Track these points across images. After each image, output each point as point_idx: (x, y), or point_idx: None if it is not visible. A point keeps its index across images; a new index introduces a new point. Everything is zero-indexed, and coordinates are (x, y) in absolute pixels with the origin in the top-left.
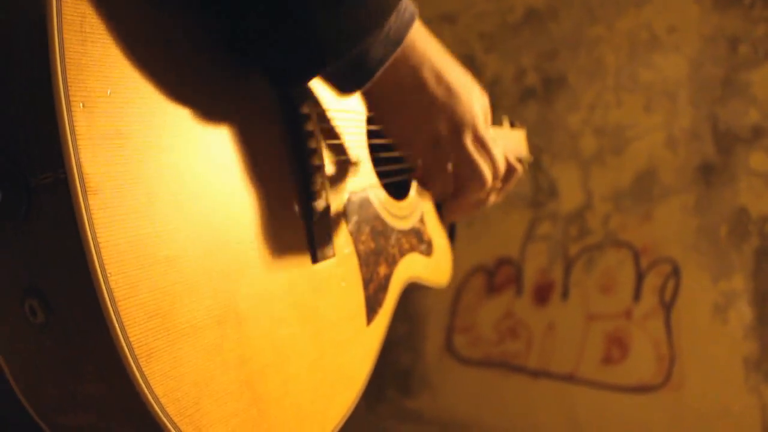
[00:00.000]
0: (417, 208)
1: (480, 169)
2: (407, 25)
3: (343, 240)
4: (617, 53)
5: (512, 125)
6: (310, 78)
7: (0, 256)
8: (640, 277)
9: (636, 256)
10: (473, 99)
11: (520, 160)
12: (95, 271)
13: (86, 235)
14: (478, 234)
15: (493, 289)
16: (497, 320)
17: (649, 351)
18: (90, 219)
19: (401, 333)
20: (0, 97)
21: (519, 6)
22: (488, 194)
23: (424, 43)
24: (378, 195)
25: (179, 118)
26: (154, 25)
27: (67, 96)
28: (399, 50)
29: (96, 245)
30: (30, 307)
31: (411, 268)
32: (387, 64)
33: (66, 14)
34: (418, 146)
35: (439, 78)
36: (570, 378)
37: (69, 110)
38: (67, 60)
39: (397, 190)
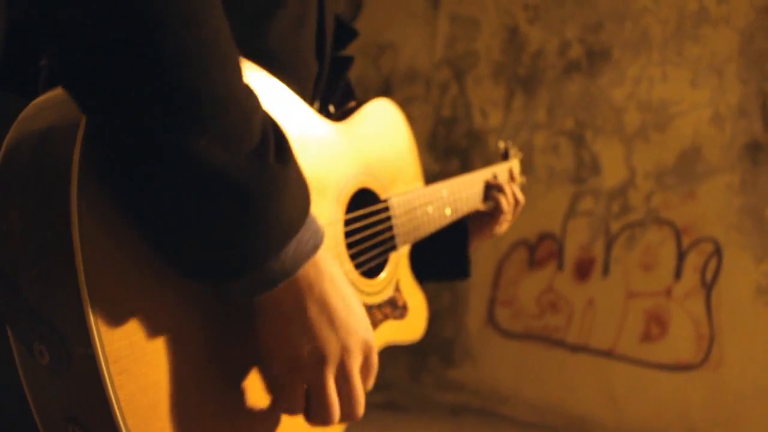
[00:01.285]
0: (393, 279)
1: (329, 403)
2: (306, 257)
3: None
4: (664, 26)
5: (505, 154)
6: (206, 283)
7: (52, 393)
8: (681, 256)
9: (678, 235)
10: (352, 336)
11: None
12: (117, 417)
13: (108, 391)
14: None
15: (534, 263)
16: (538, 294)
17: (689, 330)
18: (111, 381)
19: (445, 304)
20: (49, 291)
21: None
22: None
23: (319, 275)
24: (352, 280)
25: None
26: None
27: (93, 305)
28: (290, 278)
29: (117, 397)
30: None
31: (384, 336)
32: (274, 288)
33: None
34: (278, 363)
35: (322, 307)
36: (609, 354)
37: (94, 310)
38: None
39: (379, 267)
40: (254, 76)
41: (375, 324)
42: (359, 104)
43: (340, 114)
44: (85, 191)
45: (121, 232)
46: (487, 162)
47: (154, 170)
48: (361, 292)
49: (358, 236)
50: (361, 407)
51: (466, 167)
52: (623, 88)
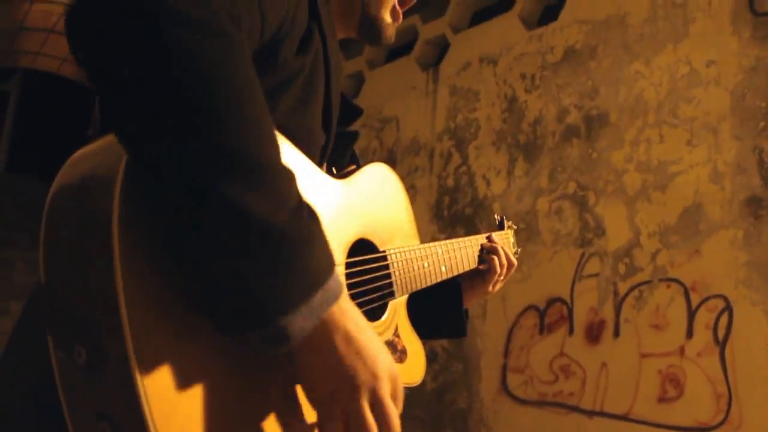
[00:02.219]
0: (392, 323)
1: (367, 426)
2: (333, 301)
3: None
4: (657, 89)
5: (501, 224)
6: (241, 336)
7: (84, 390)
8: (691, 314)
9: (686, 293)
10: (379, 365)
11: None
12: (144, 416)
13: (138, 390)
14: (528, 274)
15: (544, 328)
16: (550, 360)
17: (706, 389)
18: (142, 380)
19: (457, 373)
20: (88, 304)
21: (558, 46)
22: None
23: (342, 315)
24: None
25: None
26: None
27: (129, 320)
28: (319, 322)
29: (145, 393)
30: (102, 428)
31: None
32: (306, 334)
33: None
34: (319, 396)
35: (349, 342)
36: (625, 417)
37: (130, 317)
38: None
39: (380, 309)
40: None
41: None
42: (359, 167)
43: (341, 175)
44: (125, 210)
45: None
46: (493, 230)
47: (212, 221)
48: None
49: (357, 279)
50: (397, 427)
51: (471, 235)
52: (622, 150)
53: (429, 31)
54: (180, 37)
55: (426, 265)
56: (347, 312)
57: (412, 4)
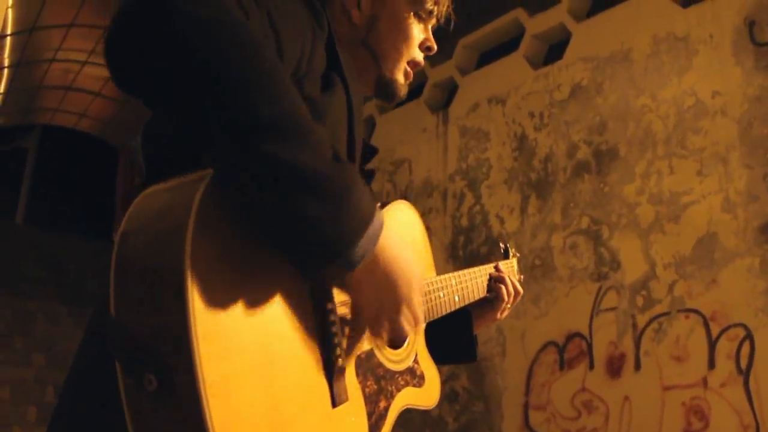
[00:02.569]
0: (412, 351)
1: (403, 329)
2: (378, 233)
3: (353, 387)
4: (665, 121)
5: (506, 252)
6: (322, 269)
7: (152, 414)
8: (712, 344)
9: (706, 323)
10: (413, 283)
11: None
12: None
13: (204, 413)
14: (546, 310)
15: (564, 364)
16: (572, 395)
17: (732, 420)
18: (208, 403)
19: (478, 412)
20: (160, 339)
21: (565, 83)
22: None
23: (387, 241)
24: (379, 348)
25: (255, 330)
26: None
27: (198, 349)
28: (374, 247)
29: (211, 420)
30: None
31: (405, 399)
32: (368, 258)
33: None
34: (369, 307)
35: (392, 262)
36: None
37: (198, 350)
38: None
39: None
40: None
41: (398, 388)
42: (382, 205)
43: None
44: (199, 233)
45: (225, 268)
46: (498, 258)
47: (278, 178)
48: (387, 359)
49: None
50: (420, 321)
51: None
52: (633, 183)
53: (437, 74)
54: (206, 23)
55: (441, 295)
56: (390, 239)
57: (420, 66)
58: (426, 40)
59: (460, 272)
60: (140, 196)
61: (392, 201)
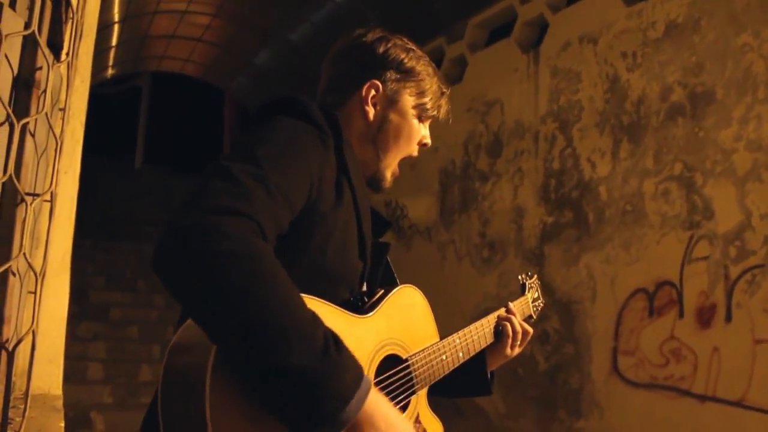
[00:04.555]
0: (413, 413)
1: None
2: (365, 396)
3: None
4: (767, 61)
5: (522, 288)
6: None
7: None
8: None
9: None
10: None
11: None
12: None
13: None
14: (637, 257)
15: (654, 311)
16: (661, 343)
17: None
18: None
19: (569, 354)
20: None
21: (659, 21)
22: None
23: (375, 400)
24: None
25: None
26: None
27: None
28: (361, 410)
29: None
30: None
31: None
32: (353, 420)
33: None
34: None
35: (387, 422)
36: (740, 404)
37: None
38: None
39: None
40: (312, 303)
41: None
42: (386, 292)
43: (370, 306)
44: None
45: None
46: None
47: (274, 377)
48: None
49: (385, 390)
50: None
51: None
52: (730, 129)
53: (527, 11)
54: (228, 265)
55: (444, 357)
56: (378, 400)
57: (396, 175)
58: (423, 137)
59: (466, 329)
60: (184, 326)
61: (398, 286)
